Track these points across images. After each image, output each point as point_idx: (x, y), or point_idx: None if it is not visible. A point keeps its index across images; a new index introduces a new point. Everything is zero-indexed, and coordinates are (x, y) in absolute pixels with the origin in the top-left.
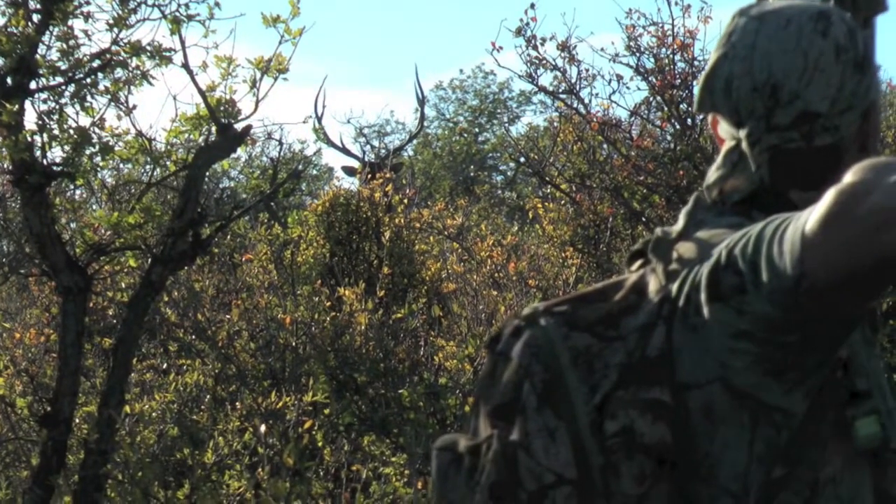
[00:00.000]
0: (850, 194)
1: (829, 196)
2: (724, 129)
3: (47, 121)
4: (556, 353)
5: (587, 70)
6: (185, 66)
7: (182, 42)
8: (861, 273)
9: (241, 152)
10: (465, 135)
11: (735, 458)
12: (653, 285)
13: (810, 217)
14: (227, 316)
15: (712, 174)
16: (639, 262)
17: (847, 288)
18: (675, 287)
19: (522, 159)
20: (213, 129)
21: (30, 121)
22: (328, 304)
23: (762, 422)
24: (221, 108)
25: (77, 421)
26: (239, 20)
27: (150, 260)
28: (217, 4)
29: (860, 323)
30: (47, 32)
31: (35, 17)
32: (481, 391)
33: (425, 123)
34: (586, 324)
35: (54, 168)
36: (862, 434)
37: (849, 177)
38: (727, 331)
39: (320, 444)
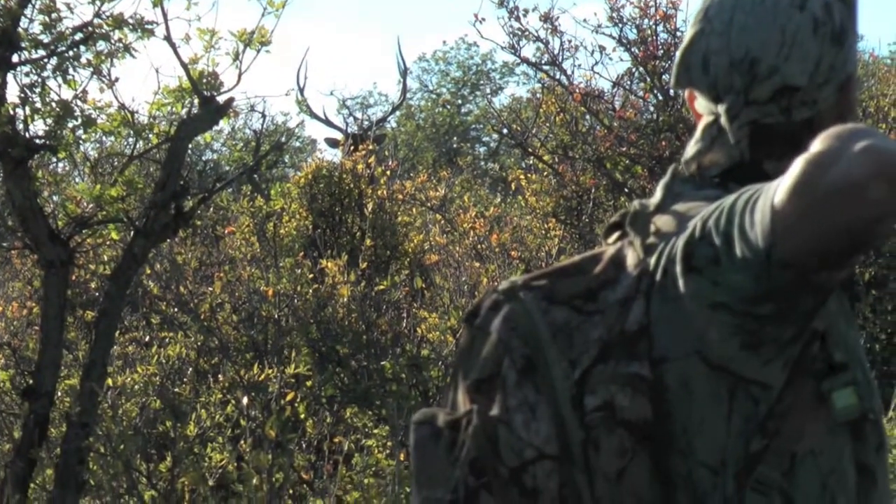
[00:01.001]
0: (816, 164)
1: (796, 166)
2: (702, 104)
3: (30, 94)
4: (535, 327)
5: (570, 41)
6: (168, 38)
7: (164, 15)
8: (829, 242)
9: (223, 125)
10: (448, 106)
11: (713, 432)
12: (631, 259)
13: (779, 187)
14: (210, 288)
15: (690, 148)
16: (616, 235)
17: (816, 257)
18: (652, 260)
19: (505, 131)
20: (196, 101)
21: (12, 94)
22: (311, 276)
23: (740, 395)
24: (204, 81)
25: (59, 394)
26: None
27: (132, 233)
28: None
29: (834, 293)
30: (29, 5)
31: None
32: (460, 365)
33: (408, 95)
34: (565, 298)
35: (37, 141)
36: (839, 406)
37: (815, 146)
38: (703, 302)
39: (303, 416)
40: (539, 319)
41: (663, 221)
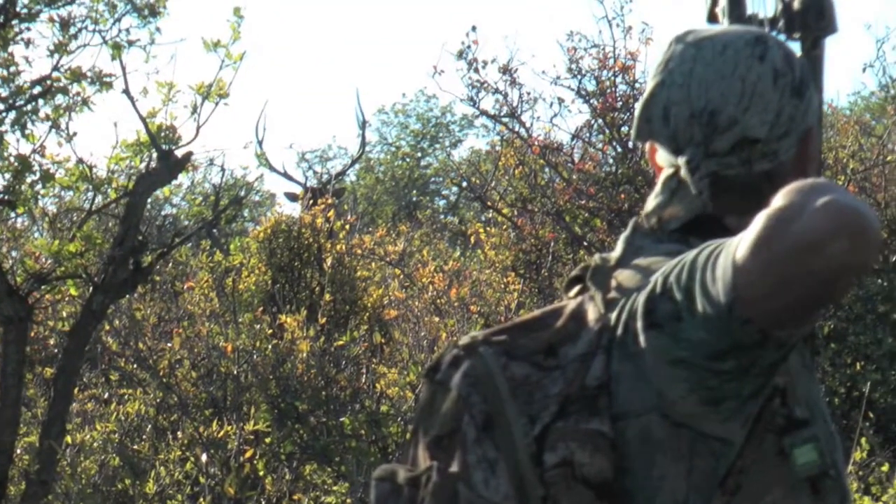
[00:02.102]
0: (778, 219)
1: (758, 221)
2: (663, 156)
3: None
4: (495, 383)
5: (528, 93)
6: (126, 91)
7: (123, 68)
8: (791, 298)
9: (182, 179)
10: (408, 159)
11: (673, 488)
12: (591, 314)
13: (741, 243)
14: (169, 344)
15: (651, 201)
16: (577, 289)
17: (779, 313)
18: (613, 315)
19: (464, 184)
20: (154, 155)
21: None
22: (270, 331)
23: (700, 451)
24: (162, 134)
25: (18, 452)
26: (180, 45)
27: (91, 288)
28: (158, 30)
29: (795, 348)
30: None
31: None
32: (420, 421)
33: (367, 148)
34: (525, 353)
35: None
36: (800, 462)
37: (777, 200)
38: (664, 358)
39: (262, 472)
40: (499, 375)
41: (624, 276)
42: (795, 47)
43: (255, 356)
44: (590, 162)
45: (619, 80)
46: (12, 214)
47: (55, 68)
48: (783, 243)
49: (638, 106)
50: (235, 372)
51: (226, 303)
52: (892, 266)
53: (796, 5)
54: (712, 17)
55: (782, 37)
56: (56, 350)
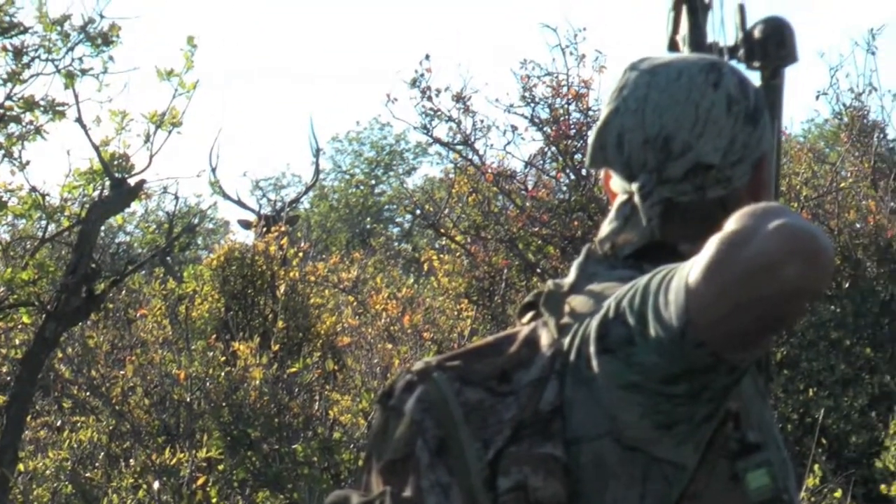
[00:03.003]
0: (730, 243)
1: (710, 245)
2: (617, 183)
3: None
4: (448, 408)
5: (482, 121)
6: (79, 120)
7: (76, 96)
8: (743, 321)
9: (136, 207)
10: (362, 187)
11: None
12: (545, 339)
13: (693, 267)
14: (122, 372)
15: (605, 227)
16: (530, 315)
17: (731, 337)
18: (566, 341)
19: (418, 211)
20: (107, 183)
21: None
22: (223, 358)
23: (653, 475)
24: (115, 163)
25: None
26: (133, 74)
27: (43, 316)
28: (111, 58)
29: (748, 373)
30: None
31: None
32: (373, 446)
33: (321, 176)
34: (479, 378)
35: None
36: (753, 487)
37: (730, 224)
38: (617, 383)
39: (214, 500)
40: (452, 400)
41: (577, 302)
42: (755, 76)
43: (207, 383)
44: (543, 189)
45: (572, 107)
46: None
47: (8, 97)
48: (736, 267)
49: (592, 132)
50: (188, 399)
51: (179, 330)
52: (845, 292)
53: (757, 34)
54: (673, 46)
55: (742, 66)
56: (8, 377)
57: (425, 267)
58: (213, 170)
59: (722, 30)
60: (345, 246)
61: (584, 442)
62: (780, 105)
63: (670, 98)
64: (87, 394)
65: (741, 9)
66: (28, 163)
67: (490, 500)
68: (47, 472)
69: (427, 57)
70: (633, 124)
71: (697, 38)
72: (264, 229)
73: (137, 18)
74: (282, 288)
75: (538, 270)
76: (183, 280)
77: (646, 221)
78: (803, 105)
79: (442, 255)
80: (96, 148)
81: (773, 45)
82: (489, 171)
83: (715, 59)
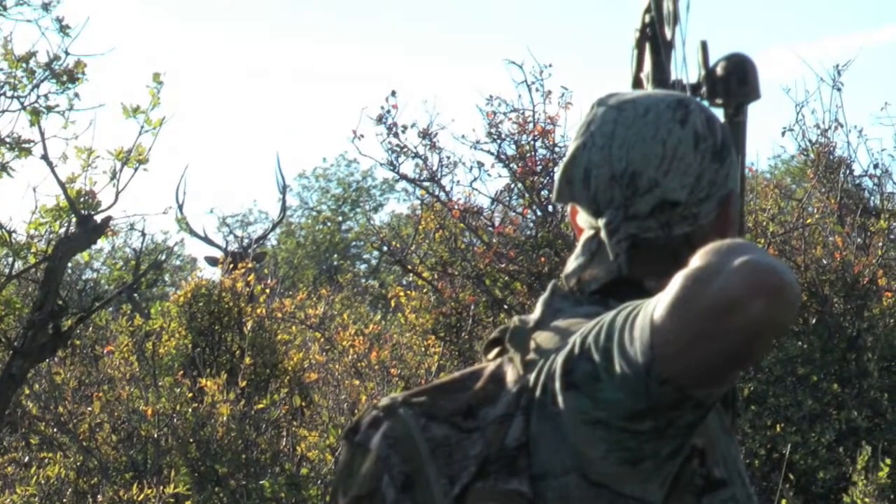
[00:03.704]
0: (696, 279)
1: (675, 281)
2: (583, 218)
3: None
4: (414, 444)
5: (448, 157)
6: (45, 157)
7: (42, 133)
8: (708, 358)
9: (103, 244)
10: (329, 223)
11: None
12: (510, 375)
13: (658, 304)
14: (89, 408)
15: (571, 263)
16: (496, 351)
17: (696, 373)
18: (532, 377)
19: (385, 248)
20: (74, 220)
21: None
22: (190, 395)
23: None
24: (81, 200)
25: None
26: (99, 111)
27: (10, 353)
28: (77, 95)
29: (713, 409)
30: None
31: None
32: (339, 482)
33: (288, 212)
34: (445, 415)
35: None
36: None
37: (695, 261)
38: (582, 419)
39: None
40: (418, 436)
41: (543, 338)
42: (718, 113)
43: (175, 419)
44: (510, 226)
45: (538, 144)
46: None
47: None
48: (701, 303)
49: (559, 168)
50: (156, 435)
51: (146, 366)
52: (812, 328)
53: (719, 72)
54: (637, 83)
55: (705, 103)
56: None
57: (392, 303)
58: (180, 206)
59: (685, 67)
60: (312, 282)
61: (550, 478)
62: (743, 142)
63: (637, 134)
64: (55, 430)
65: (703, 46)
66: None
67: None
68: None
69: (393, 93)
70: (600, 160)
71: (661, 76)
72: (231, 266)
73: (103, 55)
74: (249, 324)
75: (505, 306)
76: (150, 317)
77: (613, 257)
78: (769, 141)
79: (409, 292)
80: (62, 185)
81: (735, 82)
82: (456, 207)
83: (682, 96)
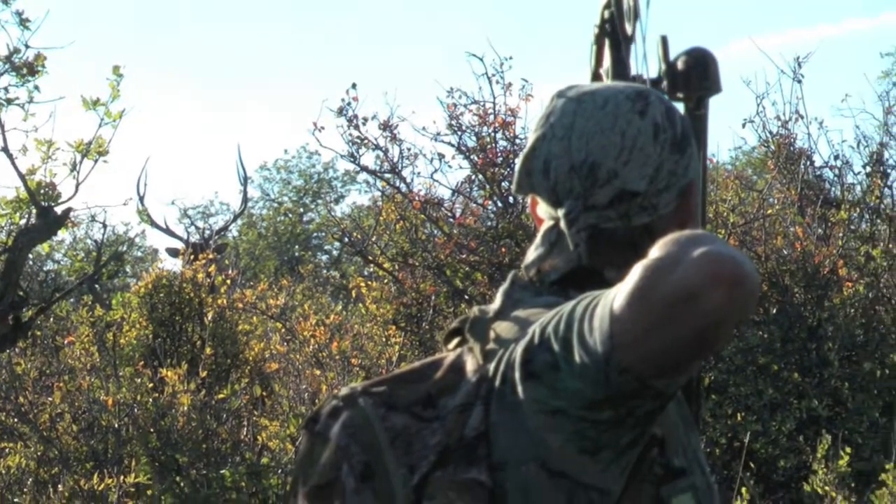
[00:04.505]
0: (655, 269)
1: (635, 272)
2: (543, 209)
3: None
4: (374, 433)
5: (409, 149)
6: (5, 149)
7: (1, 126)
8: (668, 348)
9: (64, 235)
10: (290, 215)
11: None
12: (470, 365)
13: (618, 294)
14: (50, 398)
15: (531, 254)
16: (456, 341)
17: (656, 363)
18: (492, 366)
19: (346, 239)
20: (34, 212)
21: None
22: (151, 385)
23: (578, 501)
24: (42, 192)
25: None
26: (59, 103)
27: None
28: (36, 88)
29: (673, 399)
30: None
31: None
32: (299, 471)
33: (250, 204)
34: (404, 404)
35: None
36: None
37: (654, 252)
38: (542, 409)
39: None
40: (378, 426)
41: (503, 328)
42: (679, 107)
43: (136, 409)
44: (470, 216)
45: (499, 135)
46: None
47: None
48: (660, 293)
49: (519, 159)
50: (116, 425)
51: (107, 357)
52: (773, 318)
53: (680, 66)
54: (597, 79)
55: (665, 97)
56: None
57: (353, 294)
58: (141, 198)
59: (645, 62)
60: (273, 273)
61: (509, 467)
62: (704, 135)
63: (596, 125)
64: (15, 420)
65: (664, 41)
66: None
67: None
68: None
69: (354, 86)
70: (559, 151)
71: (621, 72)
72: (192, 257)
73: (63, 48)
74: (210, 315)
75: (466, 297)
76: (111, 307)
77: (572, 247)
78: (730, 132)
79: (370, 282)
80: (22, 177)
81: (696, 76)
82: (416, 198)
83: (642, 88)
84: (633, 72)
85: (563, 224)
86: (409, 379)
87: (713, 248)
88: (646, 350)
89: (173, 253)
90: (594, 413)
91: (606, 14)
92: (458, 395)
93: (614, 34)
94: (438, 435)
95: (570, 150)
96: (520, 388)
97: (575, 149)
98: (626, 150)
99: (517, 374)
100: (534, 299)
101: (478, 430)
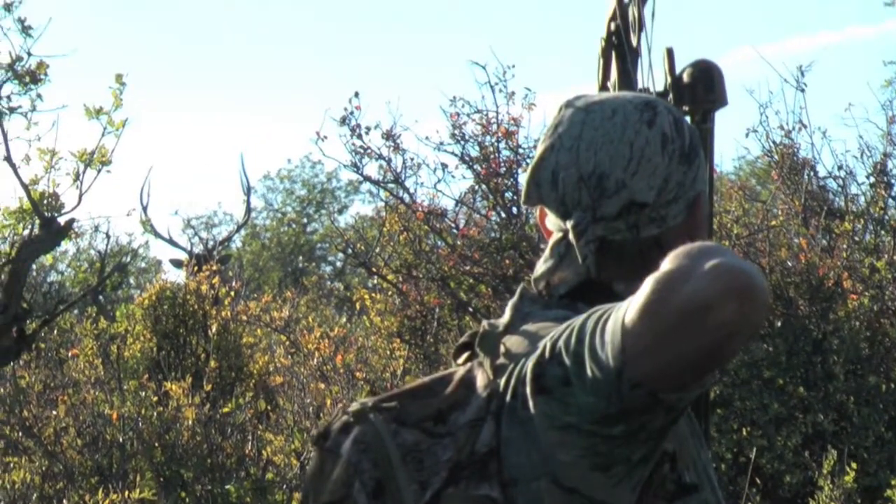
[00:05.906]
0: (667, 282)
1: (646, 285)
2: (552, 221)
3: None
4: (385, 450)
5: (412, 159)
6: (8, 159)
7: (4, 135)
8: (680, 361)
9: (67, 246)
10: (293, 225)
11: None
12: (481, 380)
13: (629, 307)
14: (54, 412)
15: (540, 266)
16: (466, 355)
17: (668, 377)
18: (502, 381)
19: (349, 250)
20: (37, 222)
21: None
22: (155, 398)
23: None
24: (45, 202)
25: None
26: (62, 112)
27: None
28: (39, 97)
29: (684, 414)
30: None
31: None
32: (310, 488)
33: (253, 214)
34: (415, 420)
35: None
36: None
37: (666, 264)
38: (553, 424)
39: None
40: (389, 442)
41: (513, 342)
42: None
43: (140, 423)
44: (474, 227)
45: (502, 145)
46: None
47: None
48: (672, 306)
49: (527, 170)
50: (121, 439)
51: (111, 370)
52: (778, 331)
53: (686, 79)
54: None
55: (673, 107)
56: None
57: (357, 306)
58: (144, 208)
59: (651, 74)
60: (277, 285)
61: (521, 483)
62: (711, 149)
63: (605, 136)
64: (20, 434)
65: (669, 53)
66: None
67: None
68: None
69: (356, 94)
70: (567, 162)
71: (627, 85)
72: (196, 268)
73: (66, 56)
74: (214, 327)
75: (470, 309)
76: (115, 319)
77: (581, 259)
78: (733, 142)
79: (374, 294)
80: (25, 187)
81: (701, 89)
82: (420, 209)
83: (650, 98)
84: (640, 84)
85: (571, 236)
86: (420, 394)
87: (725, 261)
88: (658, 364)
89: (177, 264)
90: (606, 428)
91: (612, 27)
92: (469, 411)
93: (620, 46)
94: (450, 451)
95: (579, 161)
96: (531, 403)
97: (583, 159)
98: (634, 160)
99: (528, 389)
100: (543, 312)
101: (489, 446)
